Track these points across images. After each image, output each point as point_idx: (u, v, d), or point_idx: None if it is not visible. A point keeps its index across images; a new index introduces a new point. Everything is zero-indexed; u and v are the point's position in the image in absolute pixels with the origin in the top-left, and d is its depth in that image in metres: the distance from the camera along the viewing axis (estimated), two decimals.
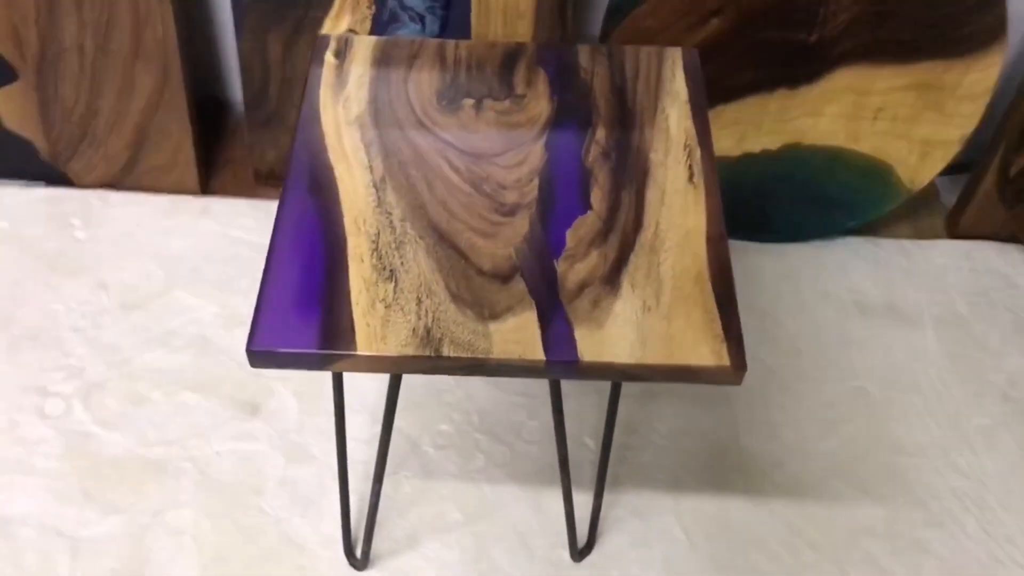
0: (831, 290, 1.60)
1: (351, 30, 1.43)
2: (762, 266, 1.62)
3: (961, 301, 1.59)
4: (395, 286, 0.85)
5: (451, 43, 1.06)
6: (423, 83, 1.02)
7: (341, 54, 1.04)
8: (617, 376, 0.82)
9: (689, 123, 0.99)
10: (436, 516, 1.30)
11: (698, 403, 1.44)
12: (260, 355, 0.80)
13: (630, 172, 0.94)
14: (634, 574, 1.27)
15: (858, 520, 1.34)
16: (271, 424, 1.37)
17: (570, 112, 0.99)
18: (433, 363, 0.81)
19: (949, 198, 1.71)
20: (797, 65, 1.45)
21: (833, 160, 1.55)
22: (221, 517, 1.28)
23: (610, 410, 1.04)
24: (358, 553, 1.21)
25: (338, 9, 1.42)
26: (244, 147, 1.69)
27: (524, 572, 1.26)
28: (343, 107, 0.99)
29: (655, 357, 0.81)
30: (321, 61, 1.03)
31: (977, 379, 1.50)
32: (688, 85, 1.02)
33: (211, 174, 1.67)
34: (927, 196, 1.71)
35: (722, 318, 0.84)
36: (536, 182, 0.93)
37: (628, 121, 0.99)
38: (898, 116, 1.50)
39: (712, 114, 1.48)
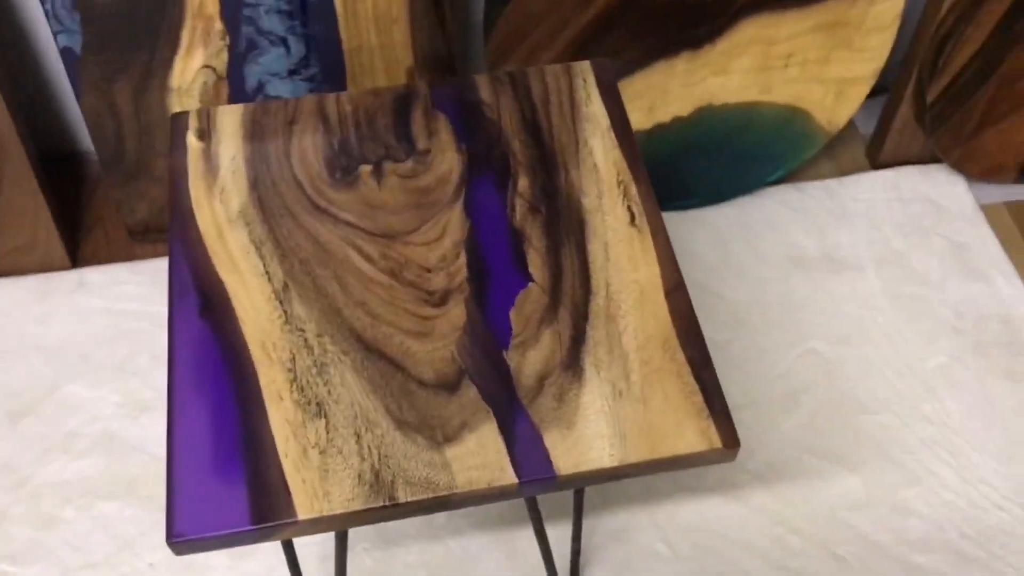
0: (764, 249, 1.52)
1: (208, 66, 1.26)
2: (688, 236, 1.54)
3: (895, 235, 1.54)
4: (326, 423, 0.73)
5: (331, 97, 0.92)
6: (308, 153, 0.88)
7: (204, 134, 0.89)
8: (599, 481, 0.72)
9: (617, 152, 0.88)
10: None
11: None
12: (185, 545, 0.68)
13: (565, 226, 0.83)
14: None
15: (837, 494, 1.29)
16: None
17: (483, 163, 0.87)
18: (388, 512, 0.70)
19: (867, 127, 1.65)
20: (696, 25, 1.34)
21: (748, 115, 1.46)
22: None
23: (576, 516, 0.95)
24: None
25: (188, 45, 1.25)
26: (111, 203, 1.51)
27: None
28: (220, 201, 0.85)
29: (638, 453, 0.71)
30: (183, 147, 0.88)
31: (925, 317, 1.45)
32: (607, 105, 0.91)
33: (79, 241, 1.49)
34: (844, 129, 1.64)
35: (701, 389, 0.74)
36: (463, 258, 0.81)
37: (550, 162, 0.87)
38: (808, 60, 1.41)
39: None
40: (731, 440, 0.72)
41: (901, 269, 1.50)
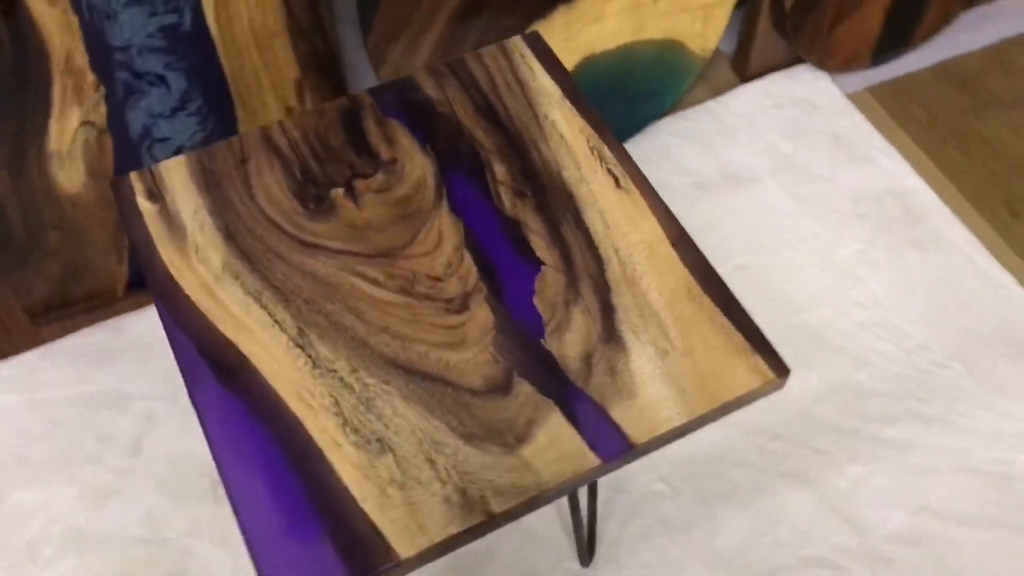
0: (667, 181, 1.57)
1: (87, 122, 1.18)
2: None
3: (780, 140, 1.62)
4: (394, 457, 0.71)
5: (274, 127, 0.87)
6: (273, 190, 0.84)
7: (155, 194, 0.83)
8: (670, 440, 0.73)
9: (579, 120, 0.88)
10: None
11: None
12: None
13: (555, 203, 0.83)
14: (643, 550, 1.23)
15: (800, 393, 1.36)
16: None
17: (453, 159, 0.86)
18: (486, 527, 0.69)
19: (726, 46, 1.71)
20: None
21: (628, 58, 1.49)
22: None
23: (591, 489, 0.97)
24: None
25: (61, 105, 1.15)
26: (4, 289, 1.39)
27: None
28: (199, 261, 0.80)
29: (701, 404, 0.73)
30: (136, 213, 0.82)
31: (828, 210, 1.54)
32: (553, 76, 0.91)
33: None
34: None
35: (738, 327, 0.76)
36: (468, 258, 0.80)
37: (518, 144, 0.86)
38: None
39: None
40: (781, 369, 0.74)
41: (794, 171, 1.58)
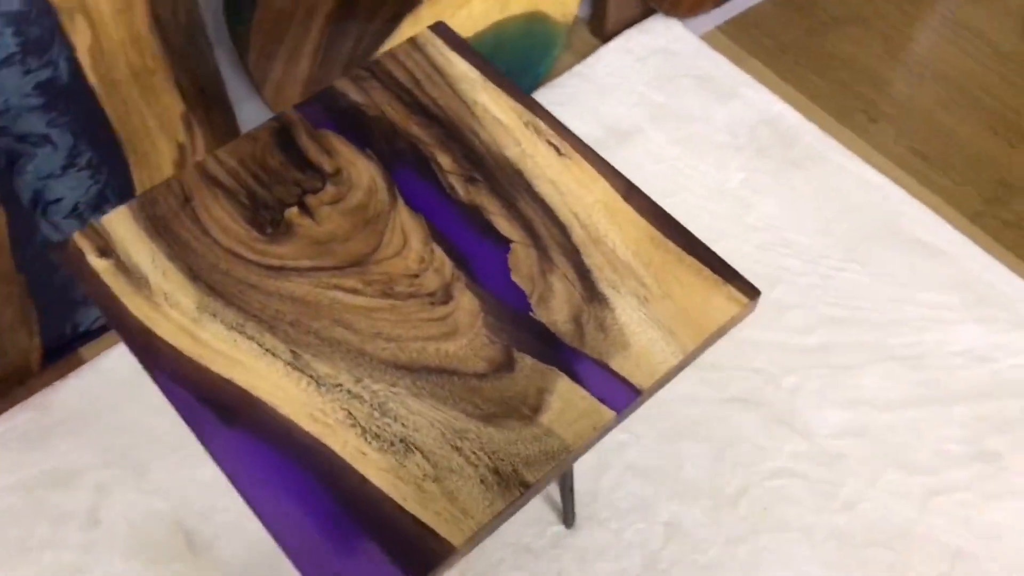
0: None
1: None
2: None
3: (652, 91, 1.69)
4: (421, 453, 0.72)
5: (209, 160, 0.86)
6: (226, 222, 0.83)
7: (106, 251, 0.81)
8: (670, 379, 0.77)
9: (506, 98, 0.91)
10: None
11: None
12: None
13: (506, 182, 0.86)
14: (618, 499, 1.28)
15: (737, 330, 1.44)
16: None
17: (397, 159, 0.87)
18: (525, 497, 0.71)
19: (583, 11, 1.77)
20: None
21: (497, 36, 1.52)
22: None
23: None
24: None
25: None
26: None
27: (546, 568, 1.22)
28: (171, 306, 0.78)
29: (691, 340, 0.77)
30: (92, 273, 0.80)
31: (709, 147, 1.62)
32: (469, 61, 0.93)
33: None
34: None
35: (705, 263, 0.81)
36: (438, 250, 0.82)
37: (455, 133, 0.88)
38: None
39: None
40: (753, 292, 0.80)
41: (671, 117, 1.65)
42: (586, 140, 1.61)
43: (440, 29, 0.95)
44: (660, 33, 1.75)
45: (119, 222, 0.83)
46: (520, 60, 1.57)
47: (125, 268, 0.80)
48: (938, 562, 1.25)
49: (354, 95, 0.90)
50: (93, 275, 0.80)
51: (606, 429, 0.74)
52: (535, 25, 1.56)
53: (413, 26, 1.40)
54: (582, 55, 1.72)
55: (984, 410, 1.37)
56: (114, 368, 1.35)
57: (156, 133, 1.25)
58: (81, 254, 0.81)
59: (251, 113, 1.41)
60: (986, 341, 1.43)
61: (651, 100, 1.67)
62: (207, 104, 1.27)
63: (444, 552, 0.68)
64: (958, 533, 1.27)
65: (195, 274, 0.80)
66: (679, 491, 1.29)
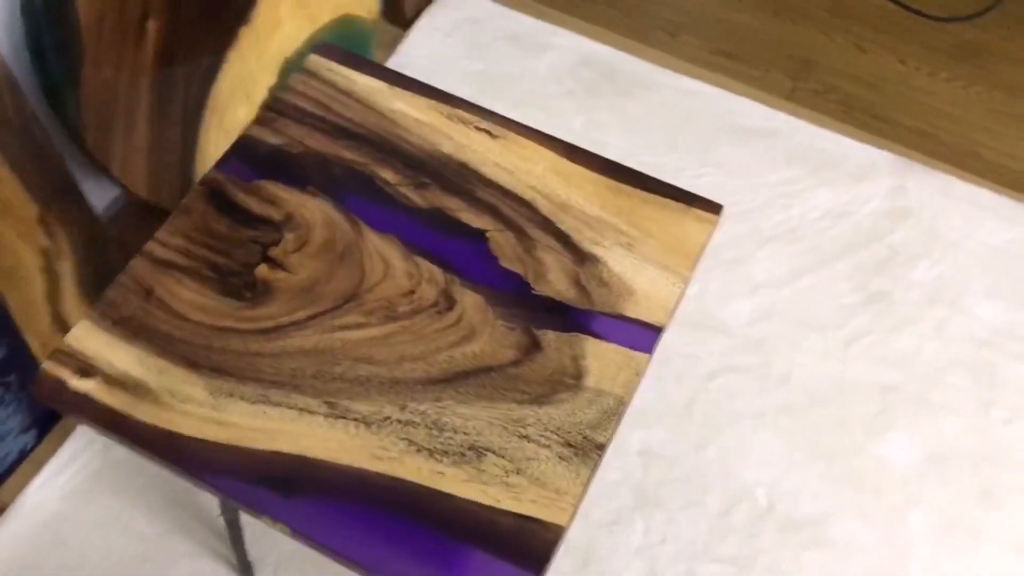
0: None
1: None
2: None
3: (470, 62, 1.71)
4: (494, 454, 0.73)
5: (154, 245, 0.82)
6: (200, 301, 0.79)
7: (87, 370, 0.76)
8: (679, 304, 0.82)
9: (420, 99, 0.91)
10: None
11: None
12: None
13: (456, 178, 0.87)
14: None
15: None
16: None
17: (340, 187, 0.86)
18: (601, 457, 0.74)
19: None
20: (227, 4, 1.33)
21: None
22: None
23: None
24: None
25: None
26: None
27: None
28: (181, 402, 0.75)
29: (684, 266, 0.82)
30: (80, 398, 0.74)
31: (545, 102, 1.67)
32: (367, 72, 0.92)
33: None
34: None
35: (664, 194, 0.86)
36: (422, 263, 0.82)
37: (386, 146, 0.88)
38: None
39: (211, 108, 1.33)
40: (715, 207, 0.85)
41: (495, 82, 1.69)
42: None
43: (324, 51, 0.93)
44: (457, 5, 1.78)
45: (87, 336, 0.77)
46: None
47: (116, 380, 0.75)
48: (872, 401, 1.39)
49: (271, 138, 0.88)
50: (82, 399, 0.74)
51: (644, 370, 0.78)
52: (347, 29, 1.54)
53: (239, 58, 1.35)
54: (392, 47, 1.72)
55: (860, 259, 1.52)
56: (42, 502, 1.25)
57: (16, 244, 1.15)
58: (59, 382, 0.75)
59: (103, 196, 1.32)
60: (839, 200, 1.57)
61: (473, 71, 1.70)
62: (61, 201, 1.18)
63: (554, 536, 0.70)
64: (878, 370, 1.41)
65: (193, 362, 0.76)
66: (638, 421, 1.36)
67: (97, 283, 1.29)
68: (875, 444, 1.36)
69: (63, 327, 1.26)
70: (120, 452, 1.30)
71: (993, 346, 1.44)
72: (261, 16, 1.37)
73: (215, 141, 1.38)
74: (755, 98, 1.70)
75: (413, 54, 1.71)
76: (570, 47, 1.73)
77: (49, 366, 0.76)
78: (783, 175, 1.60)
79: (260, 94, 1.42)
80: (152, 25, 1.23)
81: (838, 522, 1.30)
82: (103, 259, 1.29)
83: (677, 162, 1.60)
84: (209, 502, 1.25)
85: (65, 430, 1.31)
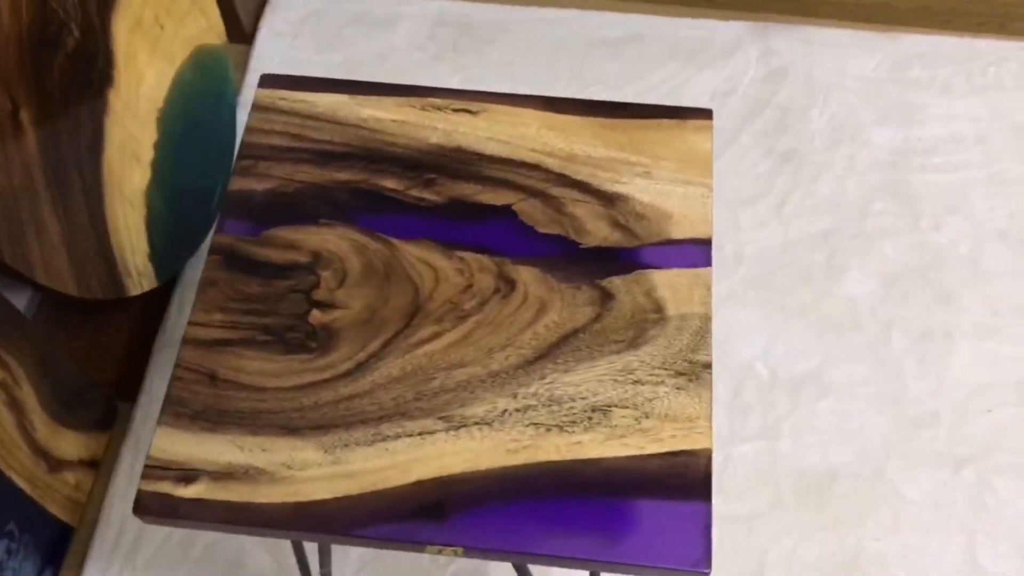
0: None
1: None
2: None
3: (328, 55, 1.67)
4: (617, 407, 0.75)
5: (196, 329, 0.78)
6: (267, 367, 0.76)
7: (188, 475, 0.72)
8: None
9: (387, 100, 0.89)
10: None
11: None
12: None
13: (457, 163, 0.86)
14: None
15: None
16: None
17: (351, 211, 0.83)
18: (711, 373, 0.77)
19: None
20: (86, 69, 1.25)
21: (183, 90, 1.42)
22: None
23: None
24: None
25: None
26: None
27: None
28: (300, 470, 0.72)
29: (703, 175, 0.85)
30: (195, 503, 0.71)
31: (415, 72, 1.65)
32: (324, 90, 0.89)
33: None
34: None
35: (654, 115, 0.88)
36: (462, 254, 0.81)
37: (377, 155, 0.86)
38: (167, 8, 1.40)
39: (108, 182, 1.26)
40: (706, 113, 0.88)
41: (362, 68, 1.65)
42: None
43: (268, 82, 0.90)
44: (291, 4, 1.72)
45: (171, 443, 0.73)
46: (211, 101, 1.49)
47: (223, 474, 0.72)
48: (820, 250, 1.47)
49: (258, 185, 0.84)
50: (196, 506, 0.71)
51: (711, 283, 0.80)
52: (205, 60, 1.47)
53: (116, 124, 1.27)
54: (243, 66, 1.66)
55: (758, 127, 1.59)
56: None
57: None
58: (164, 497, 0.71)
59: (34, 305, 1.23)
60: (719, 79, 1.64)
61: (334, 63, 1.66)
62: (2, 328, 1.09)
63: (705, 460, 0.73)
64: (814, 220, 1.50)
65: (291, 428, 0.74)
66: None
67: (58, 398, 1.21)
68: (837, 287, 1.45)
69: (46, 457, 1.18)
70: (143, 558, 1.23)
71: (899, 166, 1.56)
72: (122, 74, 1.29)
73: (122, 214, 1.30)
74: (611, 9, 1.74)
75: (267, 66, 1.65)
76: (420, 13, 1.71)
77: (146, 485, 0.71)
78: (662, 73, 1.65)
79: (147, 154, 1.34)
80: (25, 115, 1.14)
81: (834, 367, 1.39)
82: (56, 371, 1.21)
83: (563, 90, 1.62)
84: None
85: (80, 551, 1.23)
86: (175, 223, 1.41)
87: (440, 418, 0.74)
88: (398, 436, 0.73)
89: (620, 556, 0.70)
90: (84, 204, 1.23)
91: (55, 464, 1.21)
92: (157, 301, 1.43)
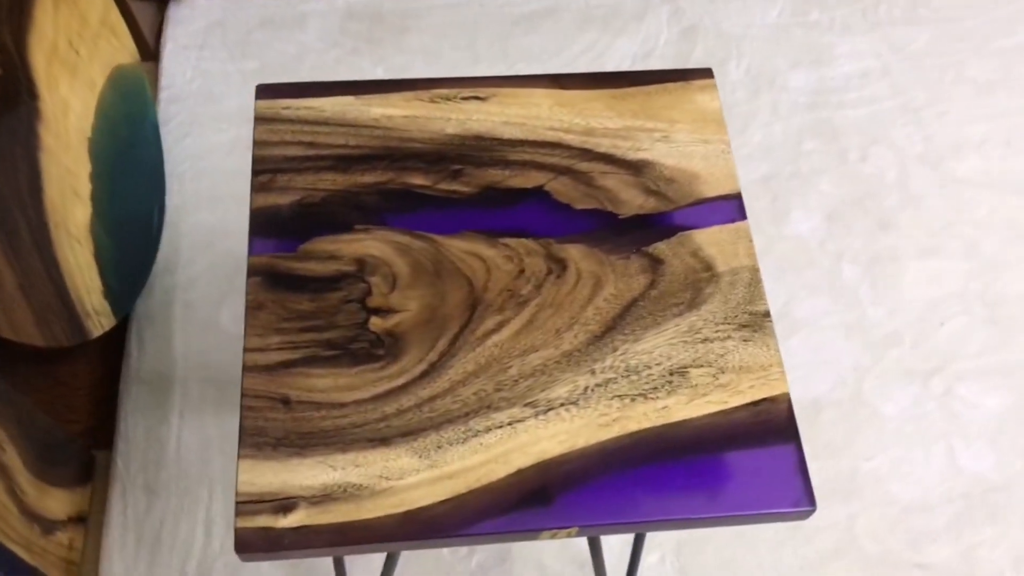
0: (221, 148, 1.51)
1: None
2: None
3: (243, 62, 1.61)
4: (692, 367, 0.76)
5: (255, 355, 0.74)
6: (340, 382, 0.74)
7: (285, 504, 0.69)
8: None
9: (394, 96, 0.87)
10: None
11: None
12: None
13: (480, 151, 0.85)
14: None
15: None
16: None
17: (384, 212, 0.81)
18: (772, 320, 0.79)
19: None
20: (6, 110, 1.17)
21: (107, 115, 1.35)
22: None
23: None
24: None
25: None
26: None
27: None
28: (400, 479, 0.71)
29: (718, 131, 0.87)
30: (297, 533, 0.68)
31: (332, 68, 1.62)
32: (326, 95, 0.87)
33: None
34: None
35: (660, 80, 0.90)
36: (507, 240, 0.81)
37: (396, 153, 0.84)
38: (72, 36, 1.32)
39: (53, 222, 1.18)
40: (706, 72, 0.90)
41: (283, 67, 1.61)
42: (238, 140, 1.53)
43: (266, 92, 0.86)
44: (193, 16, 1.65)
45: (257, 475, 0.70)
46: (136, 122, 1.42)
47: (322, 497, 0.69)
48: (762, 195, 1.53)
49: (283, 198, 0.81)
50: (301, 533, 0.68)
51: (750, 234, 0.83)
52: (123, 81, 1.40)
53: (51, 160, 1.20)
54: (154, 82, 1.58)
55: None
56: None
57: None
58: (264, 531, 0.68)
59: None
60: (636, 43, 1.67)
61: (248, 71, 1.60)
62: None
63: (786, 404, 0.75)
64: (753, 167, 1.55)
65: (380, 439, 0.72)
66: None
67: (40, 456, 1.13)
68: (785, 227, 1.51)
69: (39, 521, 1.11)
70: None
71: (819, 105, 1.63)
72: (48, 105, 1.21)
73: (72, 254, 1.23)
74: None
75: (180, 82, 1.58)
76: (327, 9, 1.67)
77: (243, 522, 0.68)
78: (582, 42, 1.67)
79: (85, 187, 1.27)
80: None
81: (798, 305, 1.45)
82: (34, 428, 1.13)
83: (490, 69, 1.62)
84: None
85: None
86: (121, 255, 1.34)
87: (526, 405, 0.74)
88: (489, 429, 0.73)
89: (727, 509, 0.71)
90: (34, 247, 1.15)
91: (47, 526, 1.13)
92: (112, 341, 1.36)
